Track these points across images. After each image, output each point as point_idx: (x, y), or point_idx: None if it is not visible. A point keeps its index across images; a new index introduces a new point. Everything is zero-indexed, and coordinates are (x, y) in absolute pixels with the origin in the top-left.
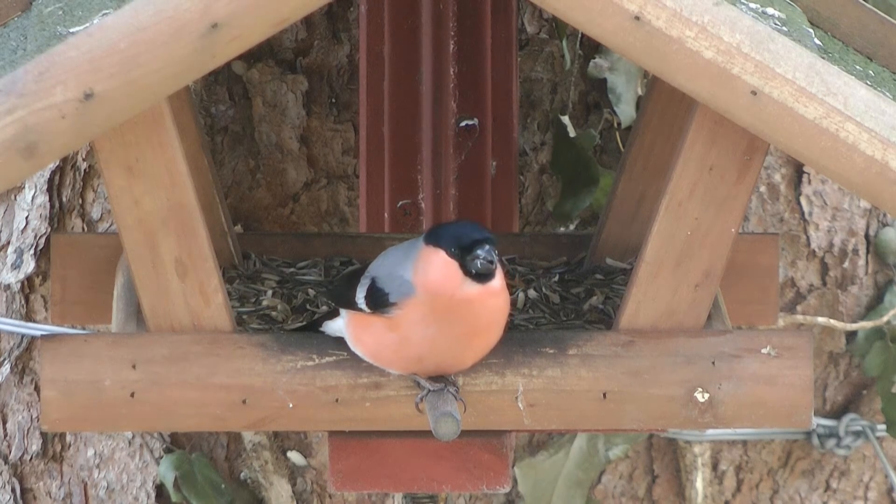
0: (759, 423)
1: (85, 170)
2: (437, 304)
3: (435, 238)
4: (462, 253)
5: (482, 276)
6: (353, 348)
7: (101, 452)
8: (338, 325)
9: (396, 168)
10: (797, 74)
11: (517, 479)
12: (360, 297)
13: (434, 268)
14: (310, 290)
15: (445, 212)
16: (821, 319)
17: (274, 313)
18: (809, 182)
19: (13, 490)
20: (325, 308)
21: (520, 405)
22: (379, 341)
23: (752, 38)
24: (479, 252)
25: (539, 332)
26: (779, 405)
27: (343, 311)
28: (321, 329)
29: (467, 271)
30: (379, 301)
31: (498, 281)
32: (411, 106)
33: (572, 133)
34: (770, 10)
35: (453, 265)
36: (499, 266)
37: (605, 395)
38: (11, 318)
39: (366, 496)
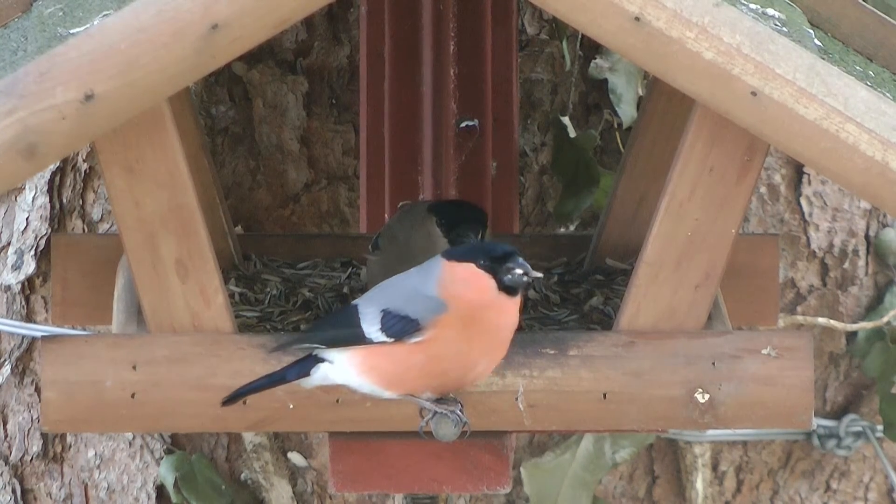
0: (760, 423)
1: (85, 171)
2: (474, 316)
3: (456, 255)
4: (494, 265)
5: (513, 289)
6: (358, 380)
7: (101, 453)
8: (321, 375)
9: (397, 169)
10: (797, 75)
11: (523, 479)
12: (373, 330)
13: (468, 281)
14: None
15: None
16: (821, 320)
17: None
18: (809, 183)
19: (14, 491)
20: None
21: (520, 406)
22: (402, 366)
23: (753, 39)
24: (512, 265)
25: (540, 332)
26: (779, 406)
27: (333, 353)
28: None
29: (500, 283)
30: (404, 329)
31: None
32: (412, 107)
33: (572, 134)
34: (770, 11)
35: (486, 277)
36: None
37: (605, 395)
38: (12, 319)
39: (366, 497)
